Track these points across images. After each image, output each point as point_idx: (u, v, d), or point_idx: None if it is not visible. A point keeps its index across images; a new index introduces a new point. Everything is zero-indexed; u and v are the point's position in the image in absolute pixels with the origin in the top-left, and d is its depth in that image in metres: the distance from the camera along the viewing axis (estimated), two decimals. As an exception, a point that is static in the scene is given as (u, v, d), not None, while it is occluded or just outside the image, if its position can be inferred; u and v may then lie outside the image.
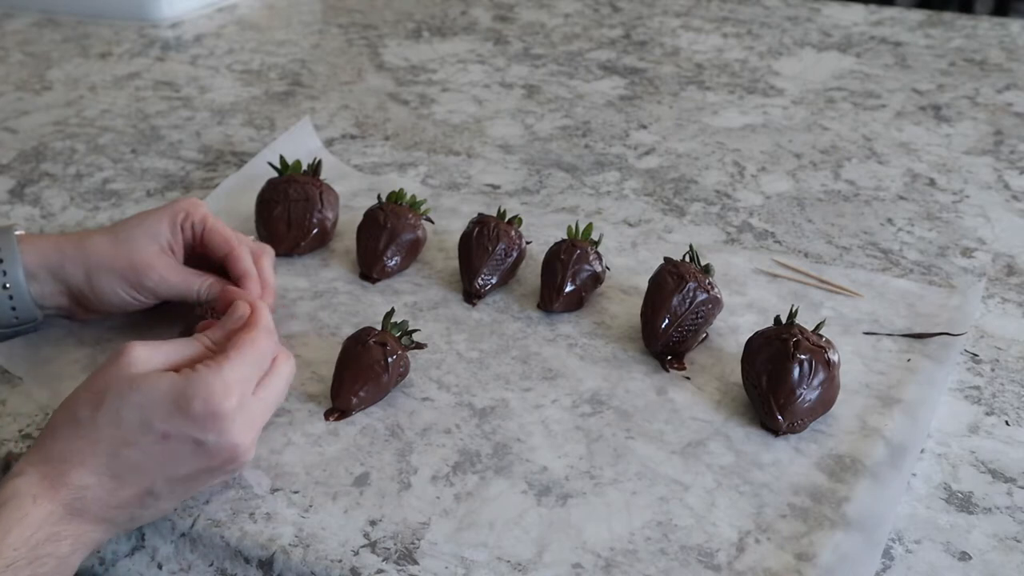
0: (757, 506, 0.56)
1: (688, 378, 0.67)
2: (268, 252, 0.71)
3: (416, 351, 0.67)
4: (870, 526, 0.55)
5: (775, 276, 0.78)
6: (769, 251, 0.82)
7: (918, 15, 1.45)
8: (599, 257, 0.75)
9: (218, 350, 0.55)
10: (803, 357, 0.61)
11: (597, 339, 0.71)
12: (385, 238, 0.77)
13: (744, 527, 0.55)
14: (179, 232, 0.69)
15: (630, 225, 0.86)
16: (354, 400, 0.63)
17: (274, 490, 0.58)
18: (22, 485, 0.49)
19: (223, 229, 0.69)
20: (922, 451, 0.61)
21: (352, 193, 0.91)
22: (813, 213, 0.89)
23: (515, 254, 0.76)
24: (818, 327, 0.64)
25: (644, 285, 0.71)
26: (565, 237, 0.76)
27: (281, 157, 0.84)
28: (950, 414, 0.64)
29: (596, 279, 0.74)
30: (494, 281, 0.75)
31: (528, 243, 0.79)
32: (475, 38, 1.36)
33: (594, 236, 0.77)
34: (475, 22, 1.43)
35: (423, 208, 0.81)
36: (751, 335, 0.65)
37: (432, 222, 0.83)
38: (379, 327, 0.66)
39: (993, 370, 0.69)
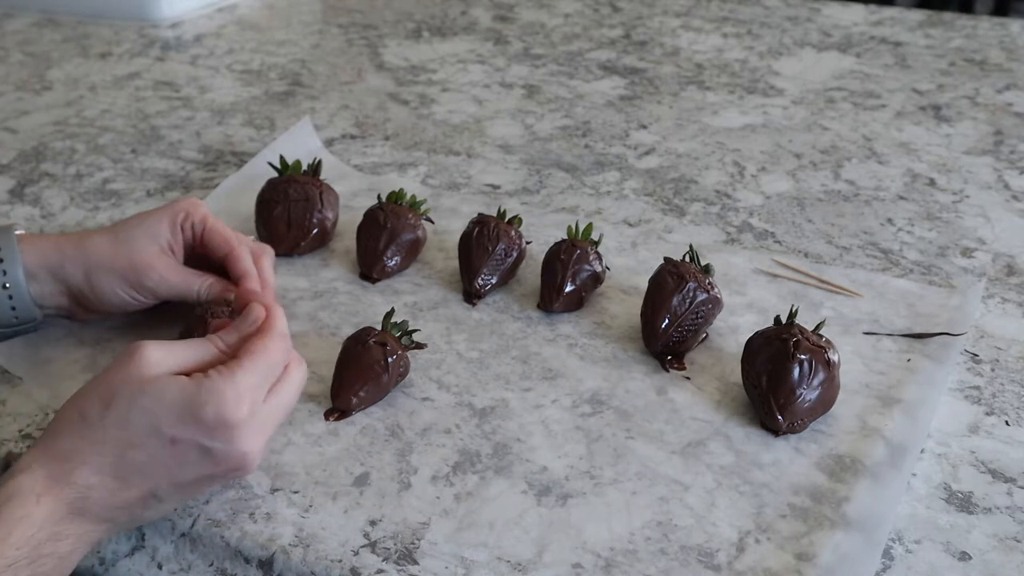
0: (757, 506, 0.56)
1: (688, 378, 0.67)
2: (268, 252, 0.71)
3: (416, 351, 0.67)
4: (870, 526, 0.55)
5: (775, 276, 0.78)
6: (769, 251, 0.82)
7: (918, 15, 1.45)
8: (599, 257, 0.75)
9: (231, 353, 0.54)
10: (803, 357, 0.61)
11: (597, 339, 0.71)
12: (385, 238, 0.77)
13: (744, 527, 0.55)
14: (179, 232, 0.69)
15: (630, 225, 0.86)
16: (354, 400, 0.63)
17: (274, 490, 0.58)
18: (26, 482, 0.49)
19: (223, 229, 0.69)
20: (922, 451, 0.61)
21: (352, 193, 0.91)
22: (813, 213, 0.89)
23: (515, 254, 0.76)
24: (818, 327, 0.64)
25: (644, 285, 0.71)
26: (565, 237, 0.76)
27: (281, 157, 0.84)
28: (950, 414, 0.64)
29: (596, 279, 0.74)
30: (494, 281, 0.75)
31: (528, 243, 0.79)
32: (475, 38, 1.36)
33: (594, 236, 0.77)
34: (475, 22, 1.43)
35: (423, 208, 0.81)
36: (751, 335, 0.65)
37: (432, 222, 0.83)
38: (379, 327, 0.66)
39: (993, 370, 0.69)
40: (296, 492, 0.57)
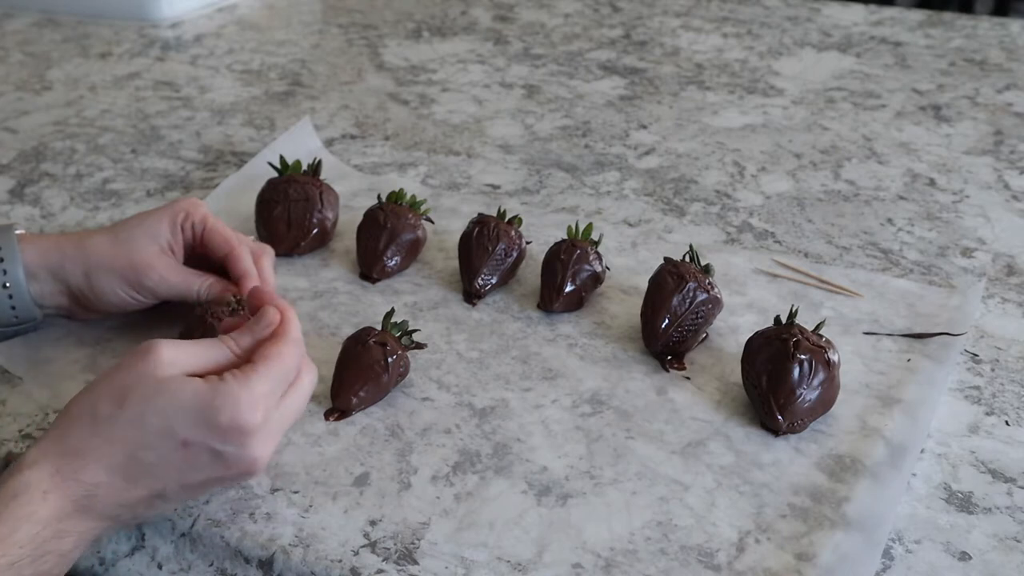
0: (757, 506, 0.56)
1: (688, 378, 0.67)
2: (268, 252, 0.71)
3: (416, 351, 0.67)
4: (870, 526, 0.55)
5: (775, 276, 0.78)
6: (769, 251, 0.82)
7: (918, 15, 1.45)
8: (599, 257, 0.75)
9: (244, 356, 0.54)
10: (803, 357, 0.61)
11: (597, 339, 0.71)
12: (385, 238, 0.77)
13: (744, 527, 0.55)
14: (179, 232, 0.69)
15: (630, 225, 0.86)
16: (354, 400, 0.63)
17: (274, 490, 0.58)
18: (33, 478, 0.48)
19: (223, 229, 0.69)
20: (922, 451, 0.61)
21: (352, 193, 0.91)
22: (813, 213, 0.89)
23: (515, 254, 0.76)
24: (818, 327, 0.64)
25: (644, 285, 0.71)
26: (565, 237, 0.76)
27: (281, 157, 0.84)
28: (950, 414, 0.64)
29: (596, 279, 0.74)
30: (494, 281, 0.75)
31: (528, 243, 0.79)
32: (475, 38, 1.36)
33: (594, 236, 0.77)
34: (475, 22, 1.43)
35: (423, 208, 0.81)
36: (751, 335, 0.65)
37: (432, 222, 0.83)
38: (379, 327, 0.66)
39: (993, 370, 0.69)
40: (296, 492, 0.57)
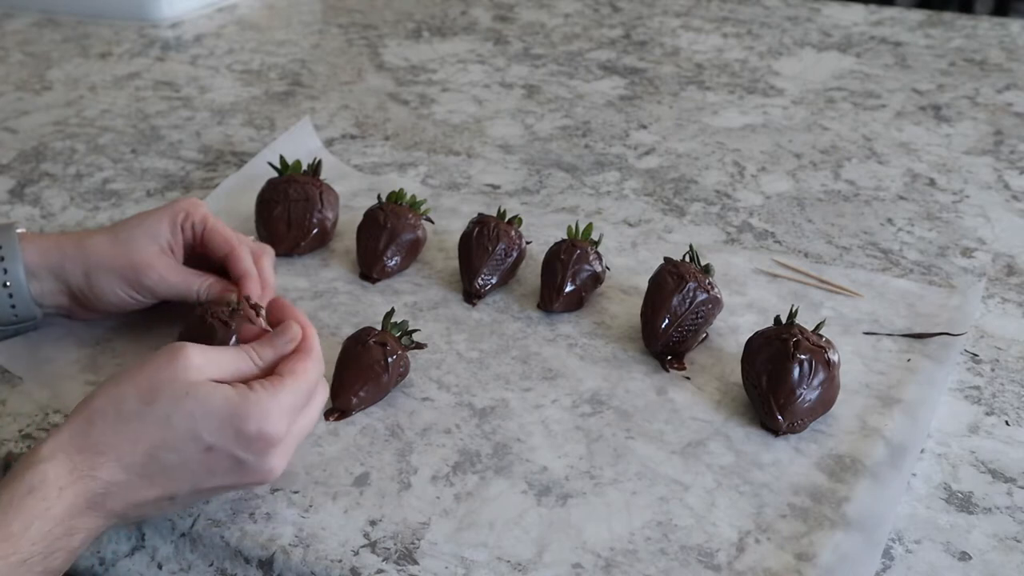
0: (757, 506, 0.56)
1: (688, 378, 0.67)
2: (268, 252, 0.71)
3: (416, 351, 0.67)
4: (870, 526, 0.55)
5: (775, 276, 0.78)
6: (769, 251, 0.82)
7: (918, 15, 1.45)
8: (599, 257, 0.75)
9: (265, 368, 0.54)
10: (803, 357, 0.61)
11: (597, 339, 0.71)
12: (385, 238, 0.77)
13: (744, 527, 0.55)
14: (179, 232, 0.69)
15: (630, 225, 0.86)
16: (354, 400, 0.63)
17: (274, 490, 0.58)
18: (51, 473, 0.48)
19: (223, 229, 0.69)
20: (922, 451, 0.61)
21: (352, 193, 0.91)
22: (813, 213, 0.89)
23: (515, 254, 0.76)
24: (818, 327, 0.64)
25: (644, 285, 0.71)
26: (565, 237, 0.76)
27: (281, 157, 0.84)
28: (950, 414, 0.64)
29: (596, 279, 0.74)
30: (494, 281, 0.75)
31: (528, 243, 0.79)
32: (475, 38, 1.36)
33: (594, 236, 0.77)
34: (475, 22, 1.43)
35: (423, 208, 0.81)
36: (751, 335, 0.65)
37: (432, 222, 0.83)
38: (379, 327, 0.66)
39: (993, 370, 0.69)
40: (296, 492, 0.57)
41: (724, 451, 0.60)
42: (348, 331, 0.68)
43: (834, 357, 0.62)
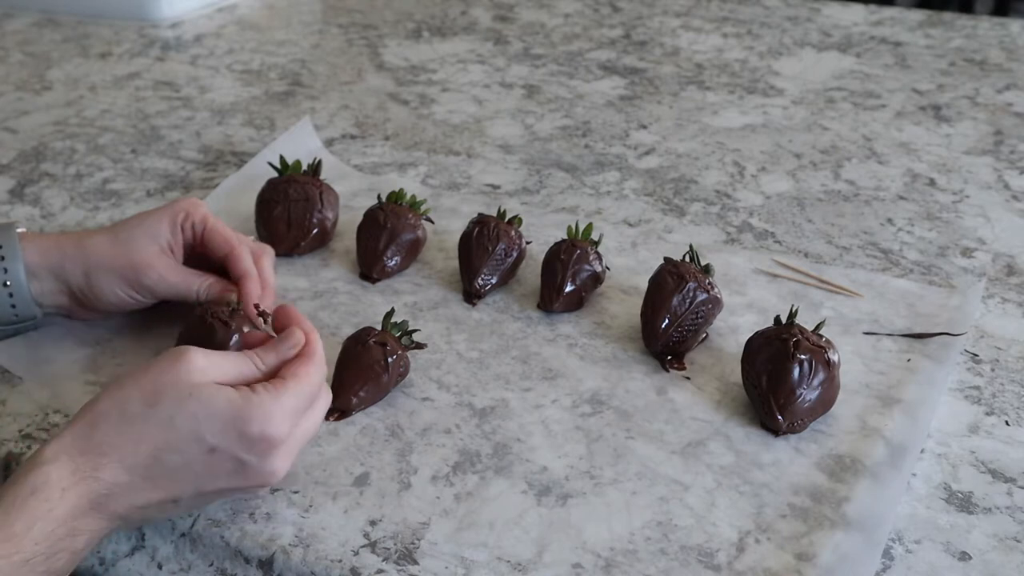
0: (757, 506, 0.56)
1: (688, 378, 0.67)
2: (268, 252, 0.71)
3: (416, 351, 0.67)
4: (870, 526, 0.55)
5: (775, 276, 0.78)
6: (769, 251, 0.82)
7: (918, 15, 1.45)
8: (599, 257, 0.75)
9: (268, 372, 0.55)
10: (803, 357, 0.61)
11: (597, 339, 0.71)
12: (385, 238, 0.77)
13: (744, 527, 0.55)
14: (179, 232, 0.69)
15: (630, 225, 0.86)
16: (354, 400, 0.63)
17: (274, 490, 0.58)
18: (53, 474, 0.48)
19: (223, 229, 0.69)
20: (922, 451, 0.61)
21: (352, 193, 0.91)
22: (813, 213, 0.89)
23: (515, 254, 0.76)
24: (818, 327, 0.64)
25: (644, 285, 0.71)
26: (565, 237, 0.76)
27: (281, 157, 0.84)
28: (950, 414, 0.64)
29: (596, 279, 0.74)
30: (494, 281, 0.75)
31: (528, 243, 0.79)
32: (475, 38, 1.36)
33: (594, 236, 0.77)
34: (475, 22, 1.43)
35: (423, 208, 0.81)
36: (751, 335, 0.65)
37: (432, 222, 0.83)
38: (379, 327, 0.66)
39: (993, 370, 0.69)
40: (296, 492, 0.57)
41: (724, 451, 0.60)
42: (348, 331, 0.68)
43: (834, 357, 0.62)
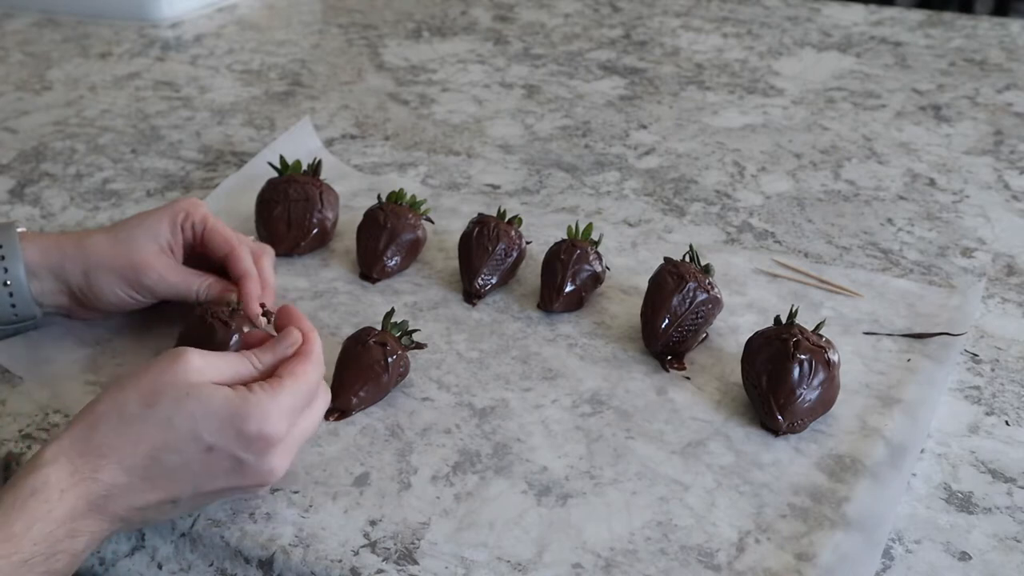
0: (757, 506, 0.56)
1: (688, 378, 0.67)
2: (268, 252, 0.71)
3: (416, 351, 0.67)
4: (870, 526, 0.55)
5: (775, 276, 0.78)
6: (769, 251, 0.82)
7: (918, 15, 1.45)
8: (599, 257, 0.75)
9: (265, 372, 0.55)
10: (803, 357, 0.61)
11: (597, 339, 0.71)
12: (385, 238, 0.77)
13: (744, 527, 0.55)
14: (179, 232, 0.69)
15: (630, 225, 0.86)
16: (354, 400, 0.63)
17: (274, 490, 0.58)
18: (52, 476, 0.48)
19: (223, 229, 0.69)
20: (922, 451, 0.61)
21: (352, 193, 0.91)
22: (813, 213, 0.89)
23: (515, 254, 0.76)
24: (818, 327, 0.64)
25: (644, 285, 0.71)
26: (565, 237, 0.76)
27: (281, 157, 0.84)
28: (950, 414, 0.64)
29: (596, 279, 0.74)
30: (494, 281, 0.75)
31: (528, 243, 0.79)
32: (475, 38, 1.36)
33: (594, 236, 0.77)
34: (475, 22, 1.43)
35: (423, 208, 0.81)
36: (751, 335, 0.65)
37: (432, 222, 0.83)
38: (379, 327, 0.66)
39: (993, 370, 0.69)
40: (296, 492, 0.57)
41: (724, 451, 0.60)
42: (348, 331, 0.68)
43: (834, 357, 0.62)
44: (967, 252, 0.83)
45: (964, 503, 0.57)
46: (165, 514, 0.53)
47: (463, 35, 1.37)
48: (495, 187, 0.93)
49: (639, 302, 0.70)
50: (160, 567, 0.56)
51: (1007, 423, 0.64)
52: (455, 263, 0.78)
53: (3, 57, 1.28)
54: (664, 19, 1.44)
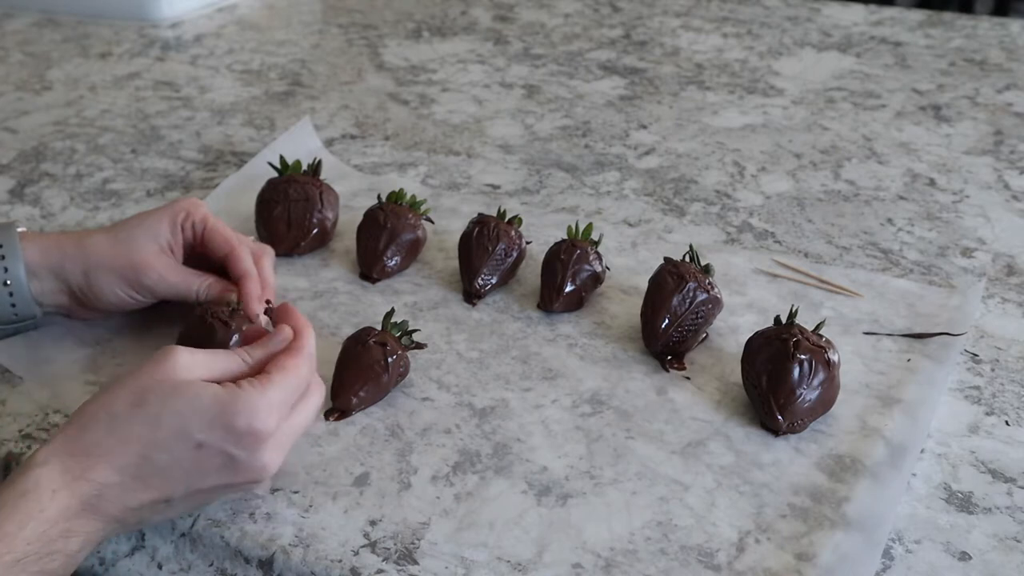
0: (757, 506, 0.56)
1: (688, 378, 0.67)
2: (268, 252, 0.71)
3: (416, 351, 0.67)
4: (870, 526, 0.55)
5: (775, 276, 0.78)
6: (769, 251, 0.82)
7: (918, 15, 1.45)
8: (599, 257, 0.75)
9: (255, 367, 0.55)
10: (803, 357, 0.61)
11: (597, 339, 0.71)
12: (385, 238, 0.77)
13: (744, 527, 0.55)
14: (179, 232, 0.69)
15: (630, 225, 0.86)
16: (354, 400, 0.63)
17: (274, 490, 0.58)
18: (43, 476, 0.49)
19: (223, 229, 0.69)
20: (922, 451, 0.61)
21: (352, 193, 0.91)
22: (813, 213, 0.89)
23: (515, 254, 0.76)
24: (818, 327, 0.64)
25: (644, 285, 0.71)
26: (565, 237, 0.76)
27: (281, 157, 0.84)
28: (950, 414, 0.64)
29: (596, 279, 0.74)
30: (494, 281, 0.75)
31: (528, 243, 0.79)
32: (475, 38, 1.36)
33: (594, 236, 0.77)
34: (475, 22, 1.43)
35: (423, 208, 0.81)
36: (751, 335, 0.65)
37: (432, 222, 0.83)
38: (379, 327, 0.66)
39: (993, 370, 0.69)
40: (296, 492, 0.57)
41: (724, 451, 0.60)
42: (348, 331, 0.68)
43: (834, 357, 0.62)
44: (967, 252, 0.83)
45: (964, 503, 0.57)
46: (160, 514, 0.53)
47: (463, 35, 1.37)
48: (495, 187, 0.93)
49: (639, 302, 0.70)
50: (160, 567, 0.56)
51: (1007, 423, 0.64)
52: (455, 263, 0.78)
53: (3, 57, 1.28)
54: (664, 19, 1.44)
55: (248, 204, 0.84)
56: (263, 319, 0.65)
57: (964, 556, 0.54)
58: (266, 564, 0.54)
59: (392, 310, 0.67)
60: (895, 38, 1.35)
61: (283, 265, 0.79)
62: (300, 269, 0.79)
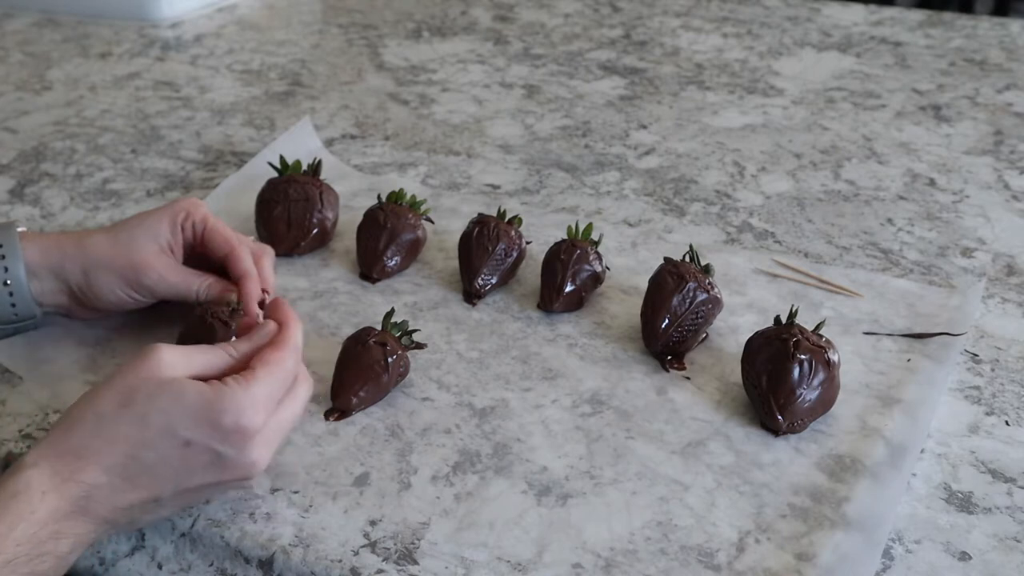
0: (757, 506, 0.56)
1: (688, 378, 0.67)
2: (268, 252, 0.71)
3: (416, 351, 0.67)
4: (870, 526, 0.55)
5: (775, 276, 0.78)
6: (769, 251, 0.82)
7: (918, 15, 1.45)
8: (599, 257, 0.75)
9: (241, 362, 0.55)
10: (803, 357, 0.61)
11: (597, 339, 0.71)
12: (385, 238, 0.77)
13: (744, 527, 0.55)
14: (179, 232, 0.69)
15: (630, 225, 0.86)
16: (354, 400, 0.63)
17: (274, 490, 0.58)
18: (33, 478, 0.49)
19: (223, 229, 0.69)
20: (922, 451, 0.61)
21: (352, 193, 0.91)
22: (813, 213, 0.89)
23: (515, 254, 0.76)
24: (818, 327, 0.64)
25: (644, 285, 0.71)
26: (565, 237, 0.76)
27: (281, 157, 0.84)
28: (950, 414, 0.64)
29: (596, 279, 0.74)
30: (494, 281, 0.75)
31: (528, 243, 0.79)
32: (475, 38, 1.36)
33: (594, 236, 0.77)
34: (475, 22, 1.43)
35: (423, 208, 0.81)
36: (751, 335, 0.65)
37: (432, 222, 0.83)
38: (379, 327, 0.66)
39: (993, 370, 0.69)
40: (296, 492, 0.57)
41: (724, 451, 0.60)
42: (348, 331, 0.68)
43: (834, 357, 0.62)
44: (967, 252, 0.83)
45: (964, 503, 0.57)
46: (150, 513, 0.53)
47: (463, 35, 1.37)
48: (495, 187, 0.93)
49: (639, 302, 0.70)
50: (160, 567, 0.56)
51: (1007, 423, 0.64)
52: (455, 263, 0.78)
53: (3, 57, 1.28)
54: (664, 19, 1.44)
55: (248, 204, 0.84)
56: (261, 316, 0.65)
57: (964, 556, 0.54)
58: (266, 564, 0.54)
59: (392, 310, 0.67)
60: (895, 38, 1.35)
61: (283, 265, 0.79)
62: (300, 269, 0.79)
